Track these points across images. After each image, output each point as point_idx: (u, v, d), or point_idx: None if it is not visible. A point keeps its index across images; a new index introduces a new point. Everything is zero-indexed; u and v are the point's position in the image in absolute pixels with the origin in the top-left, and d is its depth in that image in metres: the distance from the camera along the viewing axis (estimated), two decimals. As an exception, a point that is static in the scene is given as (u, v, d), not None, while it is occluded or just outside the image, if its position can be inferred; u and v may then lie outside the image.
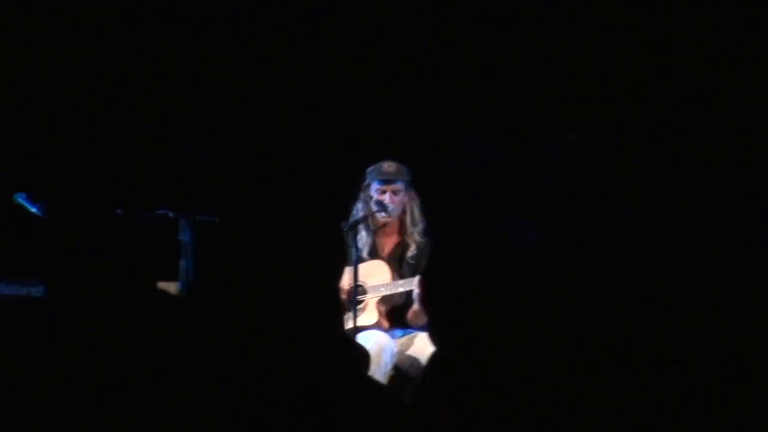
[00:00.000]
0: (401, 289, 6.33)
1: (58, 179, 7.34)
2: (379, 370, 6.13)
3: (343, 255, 6.40)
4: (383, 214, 6.44)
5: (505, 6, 7.34)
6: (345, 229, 6.33)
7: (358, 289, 6.30)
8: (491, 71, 7.43)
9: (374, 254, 6.53)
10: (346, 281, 6.42)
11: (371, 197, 6.47)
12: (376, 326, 6.41)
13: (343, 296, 6.45)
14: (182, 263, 6.29)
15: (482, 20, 7.38)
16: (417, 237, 6.49)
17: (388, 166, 6.50)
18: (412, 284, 6.24)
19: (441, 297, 3.11)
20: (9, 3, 7.42)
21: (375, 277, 6.45)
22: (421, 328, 6.35)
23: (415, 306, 6.29)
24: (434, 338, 3.15)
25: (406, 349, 6.34)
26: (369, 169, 6.53)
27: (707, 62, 7.09)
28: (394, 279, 6.42)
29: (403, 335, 6.41)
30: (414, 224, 6.51)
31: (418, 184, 6.58)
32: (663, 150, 7.20)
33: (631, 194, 7.27)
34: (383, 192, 6.47)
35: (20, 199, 6.23)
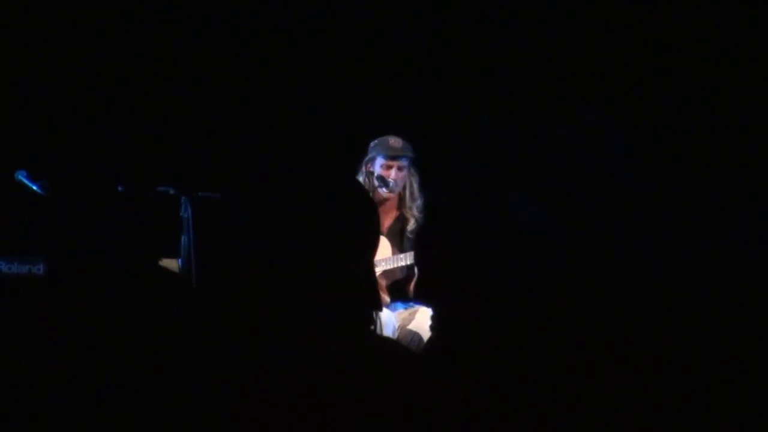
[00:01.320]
0: (402, 263, 6.33)
1: (58, 157, 7.33)
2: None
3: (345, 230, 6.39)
4: (385, 189, 6.43)
5: None
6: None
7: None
8: (499, 51, 7.41)
9: (373, 228, 6.52)
10: None
11: (372, 172, 6.45)
12: (377, 300, 6.42)
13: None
14: (183, 240, 6.29)
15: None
16: (416, 212, 6.49)
17: (395, 141, 6.47)
18: (413, 258, 6.24)
19: (443, 275, 3.10)
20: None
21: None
22: (423, 302, 6.36)
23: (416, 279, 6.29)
24: (434, 319, 3.14)
25: (408, 324, 6.35)
26: (372, 144, 6.50)
27: (709, 61, 7.07)
28: (394, 254, 6.42)
29: (404, 309, 6.41)
30: (413, 199, 6.51)
31: (420, 161, 6.57)
32: (677, 133, 7.20)
33: (643, 175, 7.26)
34: (389, 167, 6.45)
35: (21, 177, 6.22)
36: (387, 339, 3.19)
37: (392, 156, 6.46)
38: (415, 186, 6.53)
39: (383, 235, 6.52)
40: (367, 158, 6.51)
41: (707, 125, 7.06)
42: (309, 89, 7.58)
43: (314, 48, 7.58)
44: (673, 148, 7.15)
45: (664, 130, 7.21)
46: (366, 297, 2.69)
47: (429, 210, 6.50)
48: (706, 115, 7.07)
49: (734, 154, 7.01)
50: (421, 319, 6.31)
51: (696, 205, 7.01)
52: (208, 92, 7.58)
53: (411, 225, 6.50)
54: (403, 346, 2.88)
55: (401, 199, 6.54)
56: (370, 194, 6.49)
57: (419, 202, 6.52)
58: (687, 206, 7.02)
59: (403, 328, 6.32)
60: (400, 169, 6.46)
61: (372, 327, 2.74)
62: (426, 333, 6.24)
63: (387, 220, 6.57)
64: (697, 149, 7.09)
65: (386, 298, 6.46)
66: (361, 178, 6.53)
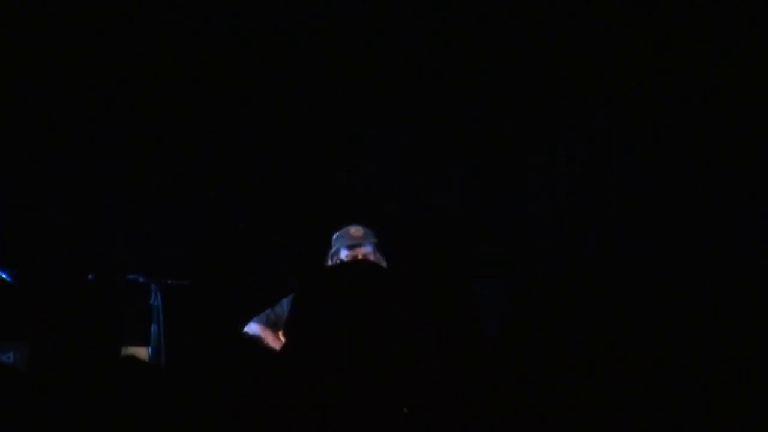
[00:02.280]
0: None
1: (28, 244, 7.34)
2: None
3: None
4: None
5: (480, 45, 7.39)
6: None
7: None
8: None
9: (344, 318, 6.53)
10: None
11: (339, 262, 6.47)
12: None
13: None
14: (153, 328, 6.28)
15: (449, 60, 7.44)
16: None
17: (356, 230, 6.48)
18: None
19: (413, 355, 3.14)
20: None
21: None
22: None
23: None
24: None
25: None
26: (335, 236, 6.51)
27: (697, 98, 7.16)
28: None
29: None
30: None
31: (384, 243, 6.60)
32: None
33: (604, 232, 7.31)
34: (353, 257, 6.46)
35: (-10, 266, 6.22)
36: None
37: (355, 245, 6.48)
38: (383, 272, 6.55)
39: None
40: (332, 251, 6.51)
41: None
42: (270, 177, 7.63)
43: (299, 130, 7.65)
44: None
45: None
46: None
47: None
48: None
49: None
50: None
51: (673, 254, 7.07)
52: (179, 182, 7.62)
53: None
54: None
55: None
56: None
57: (388, 288, 6.54)
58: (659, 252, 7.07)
59: None
60: (365, 256, 6.48)
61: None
62: None
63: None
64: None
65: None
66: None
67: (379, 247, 6.54)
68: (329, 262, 6.51)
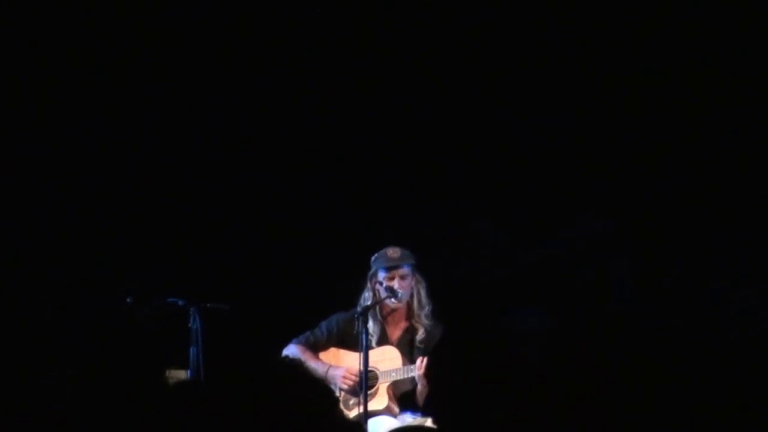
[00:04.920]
0: (412, 374, 6.32)
1: (68, 267, 7.37)
2: (390, 456, 6.10)
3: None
4: (393, 300, 6.45)
5: (517, 94, 7.36)
6: (356, 317, 6.34)
7: (369, 375, 6.29)
8: (501, 158, 7.45)
9: (383, 341, 6.53)
10: (355, 367, 6.40)
11: (380, 284, 6.46)
12: (386, 411, 6.40)
13: (351, 382, 6.43)
14: (192, 351, 6.30)
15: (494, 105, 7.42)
16: (425, 320, 6.49)
17: (393, 251, 6.49)
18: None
19: (446, 380, 3.11)
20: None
21: (386, 362, 6.45)
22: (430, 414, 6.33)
23: (419, 387, 6.28)
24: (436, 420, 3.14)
25: None
26: (373, 258, 6.53)
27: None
28: (404, 364, 6.41)
29: (413, 419, 6.39)
30: (421, 307, 6.51)
31: (423, 267, 6.59)
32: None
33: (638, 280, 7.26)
34: (391, 278, 6.46)
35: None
36: None
37: (392, 267, 6.48)
38: (423, 293, 6.54)
39: (394, 345, 6.52)
40: (370, 273, 6.53)
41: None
42: (307, 202, 7.63)
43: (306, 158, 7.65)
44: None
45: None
46: None
47: (440, 323, 6.51)
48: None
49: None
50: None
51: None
52: (217, 205, 7.63)
53: (420, 334, 6.50)
54: None
55: (410, 308, 6.54)
56: (377, 307, 6.52)
57: (427, 309, 6.52)
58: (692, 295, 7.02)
59: None
60: (402, 277, 6.48)
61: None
62: None
63: (396, 331, 6.58)
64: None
65: (395, 408, 6.44)
66: (367, 294, 6.53)
67: (416, 268, 6.54)
68: (368, 284, 6.53)
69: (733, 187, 7.05)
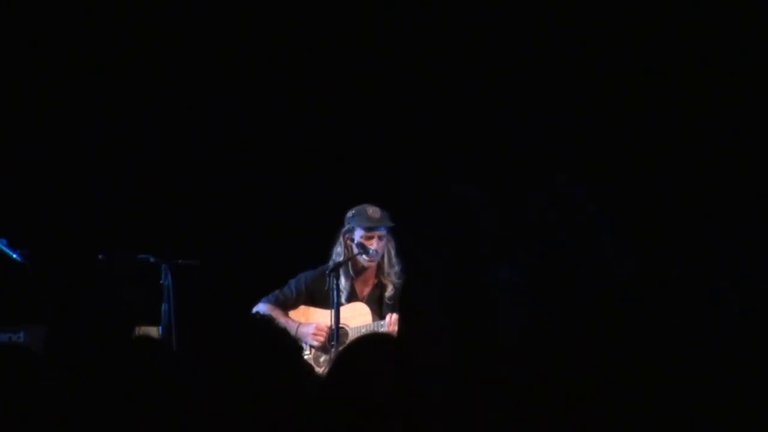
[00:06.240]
0: (383, 330, 6.35)
1: (39, 224, 7.35)
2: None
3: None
4: (365, 257, 6.46)
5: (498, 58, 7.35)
6: (328, 273, 6.36)
7: (340, 331, 6.33)
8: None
9: (353, 298, 6.55)
10: (325, 323, 6.44)
11: (352, 241, 6.46)
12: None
13: (321, 338, 6.46)
14: (164, 307, 6.31)
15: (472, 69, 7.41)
16: (394, 278, 6.52)
17: (373, 211, 6.46)
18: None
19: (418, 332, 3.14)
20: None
21: (356, 318, 6.48)
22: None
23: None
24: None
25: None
26: (350, 214, 6.49)
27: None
28: (374, 320, 6.45)
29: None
30: (391, 266, 6.53)
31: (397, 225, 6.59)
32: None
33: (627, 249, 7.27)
34: (369, 238, 6.45)
35: (0, 245, 6.23)
36: None
37: (372, 227, 6.47)
38: (392, 252, 6.55)
39: (363, 302, 6.54)
40: (344, 229, 6.51)
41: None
42: (278, 158, 7.63)
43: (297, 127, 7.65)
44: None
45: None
46: None
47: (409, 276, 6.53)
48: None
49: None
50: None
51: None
52: (190, 162, 7.62)
53: (389, 291, 6.53)
54: None
55: (379, 266, 6.56)
56: (349, 263, 6.53)
57: (397, 268, 6.54)
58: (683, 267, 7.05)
59: None
60: (380, 238, 6.48)
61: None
62: None
63: (366, 288, 6.60)
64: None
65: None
66: (339, 248, 6.53)
67: (391, 231, 6.54)
68: (341, 239, 6.52)
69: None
